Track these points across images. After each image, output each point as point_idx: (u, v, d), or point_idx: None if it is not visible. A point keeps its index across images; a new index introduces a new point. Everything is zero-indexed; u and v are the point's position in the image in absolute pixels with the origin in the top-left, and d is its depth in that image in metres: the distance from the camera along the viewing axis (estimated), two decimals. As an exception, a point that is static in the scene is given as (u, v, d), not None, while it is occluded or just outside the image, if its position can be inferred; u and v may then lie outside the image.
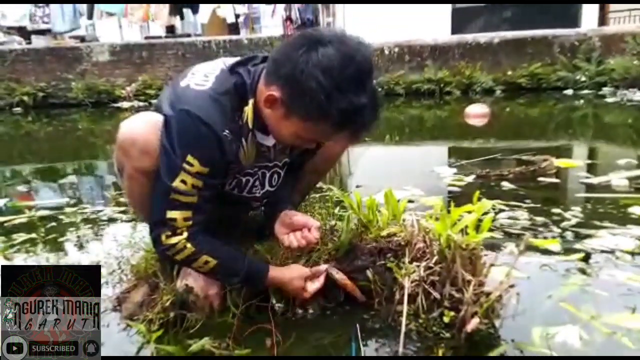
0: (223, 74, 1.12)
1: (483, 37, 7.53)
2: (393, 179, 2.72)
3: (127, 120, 1.14)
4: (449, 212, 1.19)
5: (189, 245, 1.12)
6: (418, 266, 1.21)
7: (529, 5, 9.04)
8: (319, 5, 8.32)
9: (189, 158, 1.05)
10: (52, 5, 10.30)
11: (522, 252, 1.16)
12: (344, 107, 0.99)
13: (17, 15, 10.25)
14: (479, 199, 1.22)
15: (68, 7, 10.22)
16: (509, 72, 7.19)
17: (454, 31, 8.78)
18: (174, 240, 1.11)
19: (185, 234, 1.11)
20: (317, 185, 2.49)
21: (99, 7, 11.07)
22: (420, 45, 7.60)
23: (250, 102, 1.13)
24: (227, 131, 1.07)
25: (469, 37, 7.61)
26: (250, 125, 1.14)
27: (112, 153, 1.20)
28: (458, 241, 1.14)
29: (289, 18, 8.28)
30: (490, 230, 1.19)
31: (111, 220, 2.15)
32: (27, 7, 10.27)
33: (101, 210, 2.28)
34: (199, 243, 1.13)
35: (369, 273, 1.26)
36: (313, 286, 1.23)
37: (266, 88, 1.07)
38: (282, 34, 8.20)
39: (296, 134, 1.09)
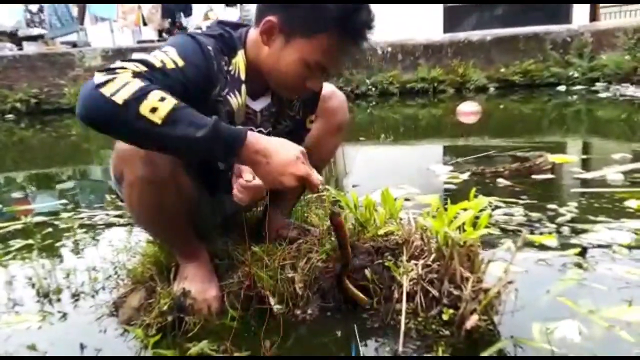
0: (208, 29, 1.15)
1: (475, 35, 7.56)
2: (389, 177, 2.72)
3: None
4: (445, 209, 1.19)
5: (136, 80, 0.88)
6: (416, 264, 1.21)
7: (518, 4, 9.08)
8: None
9: (167, 47, 1.02)
10: (46, 10, 10.29)
11: (519, 248, 1.17)
12: (342, 5, 1.02)
13: (11, 21, 10.23)
14: (475, 196, 1.22)
15: (63, 12, 10.21)
16: (502, 70, 7.22)
17: (446, 30, 8.81)
18: (113, 74, 0.87)
19: (130, 72, 0.90)
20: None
21: (91, 12, 11.05)
22: (413, 45, 7.63)
23: (240, 52, 1.14)
24: (211, 47, 1.07)
25: (461, 36, 7.64)
26: (243, 77, 1.14)
27: (110, 159, 1.17)
28: (455, 238, 1.13)
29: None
30: (487, 227, 1.19)
31: (107, 225, 2.14)
32: (21, 14, 10.25)
33: (97, 215, 2.27)
34: (148, 80, 0.91)
35: (367, 272, 1.25)
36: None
37: (258, 24, 1.10)
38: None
39: (301, 61, 1.07)
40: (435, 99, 6.94)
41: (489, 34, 7.50)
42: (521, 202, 2.05)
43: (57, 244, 1.92)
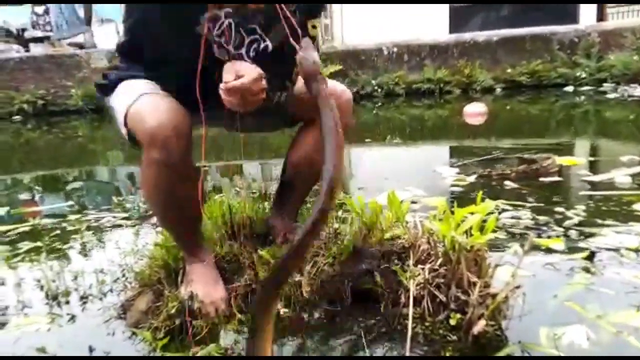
0: None
1: (481, 35, 7.53)
2: (395, 179, 2.72)
3: (145, 103, 1.06)
4: (452, 212, 1.19)
5: None
6: (423, 269, 1.21)
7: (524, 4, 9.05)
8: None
9: None
10: (52, 12, 10.36)
11: (527, 252, 1.16)
12: None
13: (18, 23, 10.31)
14: (482, 199, 1.22)
15: (69, 13, 10.27)
16: (509, 70, 7.18)
17: (452, 30, 8.78)
18: None
19: None
20: (318, 187, 2.50)
21: (97, 14, 11.11)
22: (418, 45, 7.61)
23: None
24: None
25: (467, 36, 7.61)
26: None
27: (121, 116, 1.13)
28: (462, 243, 1.13)
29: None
30: (494, 230, 1.18)
31: (114, 226, 2.15)
32: (27, 16, 10.33)
33: (104, 217, 2.28)
34: None
35: (374, 276, 1.25)
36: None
37: None
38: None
39: None
40: (442, 99, 6.92)
41: (496, 34, 7.47)
42: (528, 204, 2.05)
43: (65, 246, 1.93)
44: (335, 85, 1.40)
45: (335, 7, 8.83)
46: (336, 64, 7.63)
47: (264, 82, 1.05)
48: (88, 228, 2.13)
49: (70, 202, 2.67)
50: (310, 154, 1.40)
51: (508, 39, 7.39)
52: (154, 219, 2.01)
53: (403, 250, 1.30)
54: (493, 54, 7.38)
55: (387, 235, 1.35)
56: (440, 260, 1.20)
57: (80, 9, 10.91)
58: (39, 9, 10.81)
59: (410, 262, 1.24)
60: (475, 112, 4.74)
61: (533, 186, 2.33)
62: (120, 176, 3.68)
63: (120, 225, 2.16)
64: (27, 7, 10.92)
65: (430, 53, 7.56)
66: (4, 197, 3.02)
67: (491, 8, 9.43)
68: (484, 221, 1.17)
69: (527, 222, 1.85)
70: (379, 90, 7.47)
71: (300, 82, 1.26)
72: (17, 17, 10.74)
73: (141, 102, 1.08)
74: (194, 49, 1.08)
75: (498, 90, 7.09)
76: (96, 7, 10.83)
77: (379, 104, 6.98)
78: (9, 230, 2.15)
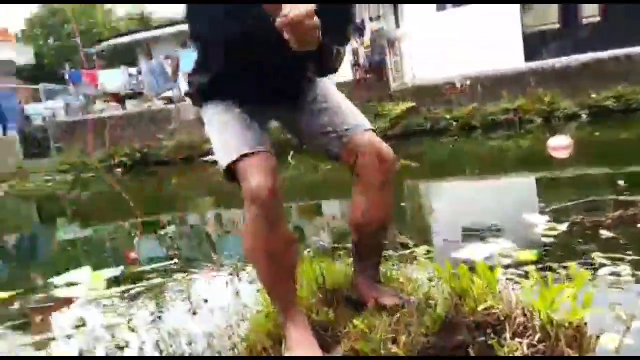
0: None
1: (559, 62, 7.29)
2: (478, 224, 2.68)
3: (248, 165, 1.25)
4: (545, 269, 1.18)
5: None
6: (521, 343, 1.21)
7: (604, 25, 8.61)
8: (386, 47, 8.49)
9: None
10: (144, 71, 11.49)
11: (631, 321, 1.14)
12: None
13: (114, 85, 11.52)
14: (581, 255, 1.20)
15: (159, 70, 11.31)
16: (593, 95, 6.84)
17: (528, 58, 8.52)
18: None
19: None
20: (401, 240, 2.53)
21: (183, 69, 12.12)
22: (492, 76, 7.49)
23: None
24: None
25: (543, 63, 7.39)
26: None
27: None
28: (560, 320, 1.14)
29: (357, 64, 8.50)
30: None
31: (219, 285, 2.32)
32: (123, 77, 11.54)
33: (206, 276, 2.48)
34: None
35: (469, 350, 1.28)
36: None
37: None
38: (353, 79, 8.41)
39: None
40: (522, 130, 6.71)
41: (574, 60, 7.20)
42: (628, 257, 1.95)
43: (175, 307, 2.13)
44: (381, 147, 1.42)
45: (405, 45, 8.95)
46: (408, 101, 7.70)
47: (316, 20, 1.10)
48: (195, 286, 2.33)
49: (176, 258, 2.91)
50: (366, 212, 1.47)
51: (587, 63, 7.09)
52: (249, 270, 2.16)
53: (498, 322, 1.31)
54: (573, 79, 7.09)
55: (481, 307, 1.37)
56: (538, 336, 1.20)
57: (168, 67, 11.96)
58: (133, 70, 12.04)
59: (507, 335, 1.25)
60: (560, 145, 4.56)
61: (631, 235, 2.21)
62: (211, 221, 3.95)
63: (224, 283, 2.30)
64: (122, 69, 12.23)
65: (505, 83, 7.41)
66: (113, 244, 3.36)
67: (567, 33, 9.08)
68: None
69: (628, 279, 1.77)
70: (454, 123, 7.41)
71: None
72: (113, 78, 12.02)
73: (244, 163, 1.27)
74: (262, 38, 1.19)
75: (583, 116, 6.76)
76: (182, 63, 11.81)
77: (456, 138, 6.91)
78: (127, 291, 2.41)
